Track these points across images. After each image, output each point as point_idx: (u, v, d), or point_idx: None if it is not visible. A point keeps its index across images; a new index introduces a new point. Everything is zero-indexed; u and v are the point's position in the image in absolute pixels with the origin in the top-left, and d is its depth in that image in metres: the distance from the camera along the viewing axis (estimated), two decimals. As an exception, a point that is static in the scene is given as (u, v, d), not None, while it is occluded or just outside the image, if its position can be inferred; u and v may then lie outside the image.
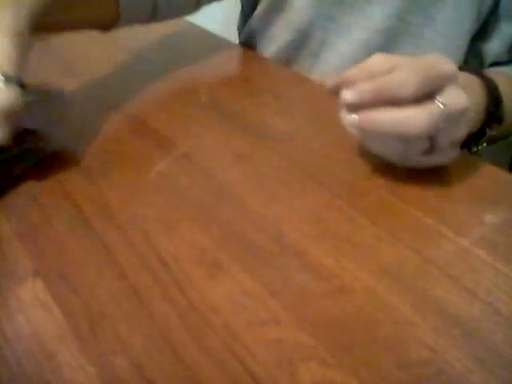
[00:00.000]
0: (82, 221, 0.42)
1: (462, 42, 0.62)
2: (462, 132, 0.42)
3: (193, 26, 0.78)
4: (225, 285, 0.36)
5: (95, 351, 0.32)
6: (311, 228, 0.40)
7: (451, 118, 0.40)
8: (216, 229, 0.40)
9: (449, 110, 0.40)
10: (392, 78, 0.40)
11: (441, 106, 0.39)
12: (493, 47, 0.63)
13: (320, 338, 0.32)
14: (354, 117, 0.40)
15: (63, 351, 0.32)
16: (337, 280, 0.36)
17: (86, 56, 0.70)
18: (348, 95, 0.40)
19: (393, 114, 0.39)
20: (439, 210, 0.42)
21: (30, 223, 0.42)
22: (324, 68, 0.68)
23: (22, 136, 0.47)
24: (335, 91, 0.44)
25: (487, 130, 0.49)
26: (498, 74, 0.53)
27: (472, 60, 0.64)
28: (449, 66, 0.41)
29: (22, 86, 0.42)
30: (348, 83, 0.41)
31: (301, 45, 0.69)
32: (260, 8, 0.72)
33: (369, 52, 0.44)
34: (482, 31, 0.63)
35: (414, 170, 0.45)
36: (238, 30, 0.80)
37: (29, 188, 0.45)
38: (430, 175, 0.45)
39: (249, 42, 0.76)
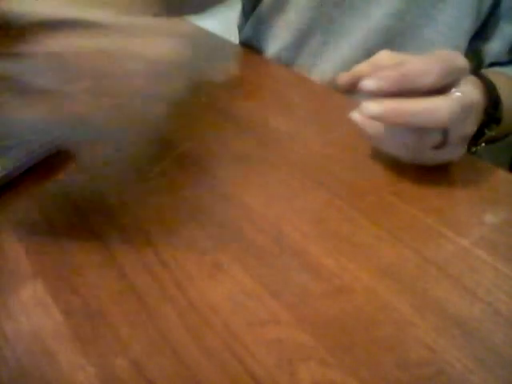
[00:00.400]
0: (82, 221, 0.42)
1: (461, 42, 0.62)
2: (471, 128, 0.42)
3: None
4: (225, 285, 0.36)
5: (95, 351, 0.32)
6: (311, 228, 0.40)
7: (466, 111, 0.40)
8: (216, 229, 0.40)
9: (466, 101, 0.39)
10: (414, 65, 0.39)
11: (461, 96, 0.39)
12: (493, 47, 0.64)
13: (320, 338, 0.32)
14: (377, 107, 0.39)
15: (63, 351, 0.32)
16: (337, 280, 0.36)
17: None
18: (369, 82, 0.39)
19: (419, 103, 0.39)
20: (439, 210, 0.42)
21: (30, 223, 0.42)
22: (324, 68, 0.68)
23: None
24: (347, 87, 0.44)
25: (486, 131, 0.49)
26: (496, 75, 0.53)
27: (471, 60, 0.64)
28: (461, 59, 0.40)
29: None
30: (361, 78, 0.41)
31: (301, 45, 0.69)
32: (260, 8, 0.72)
33: (369, 52, 0.44)
34: (482, 31, 0.63)
35: (414, 170, 0.45)
36: (239, 29, 0.80)
37: (29, 188, 0.45)
38: (430, 175, 0.45)
39: (249, 42, 0.76)
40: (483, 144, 0.49)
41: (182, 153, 0.49)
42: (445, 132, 0.41)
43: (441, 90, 0.39)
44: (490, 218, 0.41)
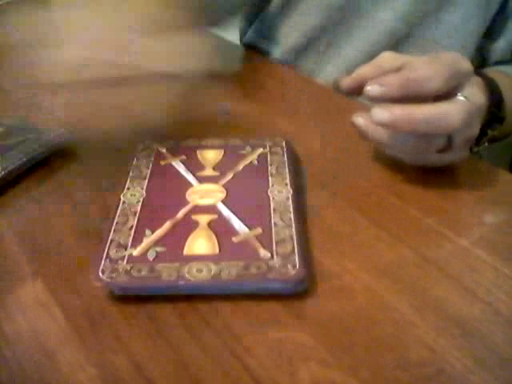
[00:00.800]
0: (82, 221, 0.42)
1: (468, 44, 0.62)
2: (475, 130, 0.42)
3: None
4: (225, 285, 0.36)
5: (95, 351, 0.32)
6: (311, 228, 0.40)
7: (471, 115, 0.40)
8: (216, 229, 0.40)
9: (472, 106, 0.39)
10: (419, 71, 0.39)
11: (466, 101, 0.39)
12: (498, 46, 0.63)
13: (320, 338, 0.32)
14: (386, 115, 0.38)
15: (63, 351, 0.32)
16: (337, 280, 0.36)
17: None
18: (373, 89, 0.39)
19: (429, 110, 0.38)
20: (439, 210, 0.42)
21: (30, 223, 0.42)
22: (329, 70, 0.68)
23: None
24: (351, 91, 0.44)
25: (488, 131, 0.49)
26: (499, 74, 0.52)
27: (476, 58, 0.64)
28: (466, 63, 0.40)
29: None
30: (364, 81, 0.40)
31: (306, 48, 0.69)
32: (266, 12, 0.72)
33: (375, 54, 0.44)
34: (489, 30, 0.63)
35: (414, 170, 0.45)
36: (241, 32, 0.80)
37: (29, 188, 0.45)
38: (431, 175, 0.45)
39: (253, 43, 0.76)
40: (485, 144, 0.49)
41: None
42: (450, 136, 0.41)
43: (445, 93, 0.39)
44: (489, 218, 0.41)
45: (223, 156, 0.46)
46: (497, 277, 0.36)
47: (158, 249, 0.36)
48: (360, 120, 0.42)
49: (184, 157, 0.46)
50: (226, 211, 0.39)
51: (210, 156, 0.46)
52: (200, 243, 0.37)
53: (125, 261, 0.35)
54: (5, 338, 0.33)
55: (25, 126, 0.47)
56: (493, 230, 0.40)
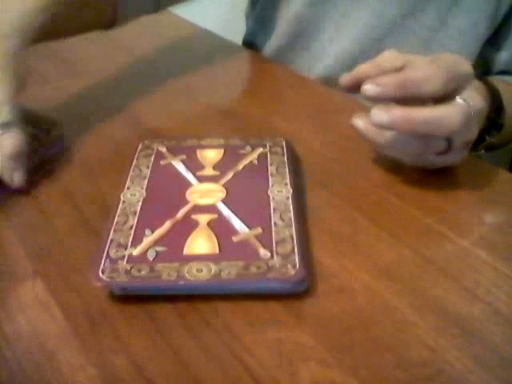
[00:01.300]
0: (82, 221, 0.42)
1: (473, 49, 0.62)
2: (475, 133, 0.42)
3: (194, 26, 0.78)
4: (225, 285, 0.36)
5: (95, 351, 0.32)
6: (311, 228, 0.40)
7: (470, 118, 0.39)
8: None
9: (470, 109, 0.39)
10: (417, 72, 0.39)
11: (465, 104, 0.39)
12: (502, 57, 0.63)
13: (320, 338, 0.32)
14: (386, 116, 0.38)
15: (63, 351, 0.32)
16: (337, 280, 0.36)
17: (86, 56, 0.70)
18: (370, 88, 0.39)
19: (428, 112, 0.38)
20: (439, 210, 0.42)
21: (30, 223, 0.42)
22: (328, 64, 0.68)
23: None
24: (349, 88, 0.44)
25: (486, 137, 0.48)
26: (501, 82, 0.52)
27: (479, 66, 0.63)
28: (466, 66, 0.40)
29: (19, 124, 0.42)
30: (363, 79, 0.40)
31: (301, 38, 0.68)
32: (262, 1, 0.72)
33: (378, 49, 0.44)
34: (493, 39, 0.63)
35: (414, 170, 0.45)
36: (246, 17, 0.79)
37: (29, 188, 0.45)
38: (430, 176, 0.45)
39: (251, 40, 0.76)
40: (482, 151, 0.49)
41: (182, 153, 0.49)
42: (449, 139, 0.41)
43: (444, 96, 0.39)
44: (489, 218, 0.41)
45: (223, 155, 0.46)
46: (497, 277, 0.36)
47: (158, 248, 0.36)
48: (359, 122, 0.42)
49: (184, 156, 0.46)
50: (226, 211, 0.39)
51: (210, 155, 0.46)
52: (200, 243, 0.37)
53: (125, 260, 0.35)
54: (5, 337, 0.33)
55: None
56: (493, 229, 0.40)
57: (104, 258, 0.35)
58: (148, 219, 0.39)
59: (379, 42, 0.63)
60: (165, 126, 0.54)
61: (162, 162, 0.45)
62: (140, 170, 0.44)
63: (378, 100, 0.39)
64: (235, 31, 0.81)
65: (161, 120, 0.56)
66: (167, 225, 0.38)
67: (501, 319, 0.33)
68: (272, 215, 0.39)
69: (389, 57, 0.42)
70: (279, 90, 0.60)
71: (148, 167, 0.45)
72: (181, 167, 0.45)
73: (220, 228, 0.38)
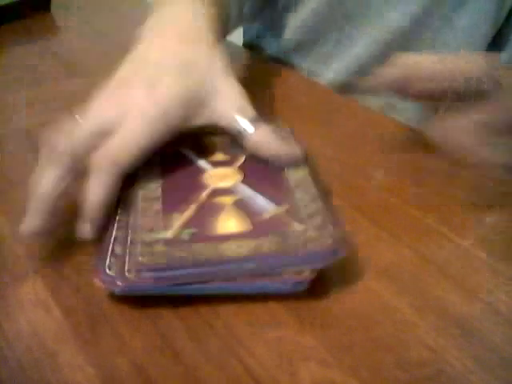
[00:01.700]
0: (82, 221, 0.42)
1: (477, 48, 0.62)
2: None
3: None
4: (225, 285, 0.36)
5: (95, 351, 0.32)
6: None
7: None
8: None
9: None
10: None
11: None
12: (502, 57, 0.63)
13: (320, 338, 0.32)
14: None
15: (63, 351, 0.32)
16: (337, 280, 0.36)
17: (86, 56, 0.70)
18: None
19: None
20: (439, 210, 0.42)
21: (30, 223, 0.42)
22: (337, 68, 0.68)
23: None
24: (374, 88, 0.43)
25: None
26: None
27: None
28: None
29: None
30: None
31: (314, 44, 0.68)
32: (271, 8, 0.71)
33: (384, 53, 0.44)
34: (494, 39, 0.63)
35: (414, 170, 0.45)
36: (244, 28, 0.79)
37: (29, 188, 0.45)
38: (430, 175, 0.45)
39: (255, 42, 0.75)
40: None
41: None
42: None
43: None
44: (489, 218, 0.41)
45: (231, 140, 0.45)
46: (497, 277, 0.36)
47: (191, 230, 0.35)
48: (435, 130, 0.41)
49: (191, 144, 0.45)
50: (248, 191, 0.39)
51: (218, 141, 0.45)
52: (231, 222, 0.36)
53: (160, 244, 0.34)
54: (5, 337, 0.33)
55: None
56: (493, 230, 0.40)
57: (140, 243, 0.34)
58: (172, 204, 0.38)
59: (387, 46, 0.63)
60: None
61: (169, 150, 0.44)
62: (150, 159, 0.43)
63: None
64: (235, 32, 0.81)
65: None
66: (193, 207, 0.37)
67: (501, 319, 0.33)
68: (295, 192, 0.38)
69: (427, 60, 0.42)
70: (279, 90, 0.60)
71: (157, 155, 0.43)
72: (190, 154, 0.44)
73: (247, 207, 0.37)
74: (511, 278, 0.36)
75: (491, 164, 0.41)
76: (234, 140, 0.44)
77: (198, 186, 0.40)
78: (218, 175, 0.41)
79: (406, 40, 0.63)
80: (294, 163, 0.41)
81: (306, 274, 0.33)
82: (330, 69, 0.68)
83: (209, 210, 0.37)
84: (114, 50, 0.71)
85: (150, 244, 0.34)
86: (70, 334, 0.33)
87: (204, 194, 0.39)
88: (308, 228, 0.35)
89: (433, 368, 0.30)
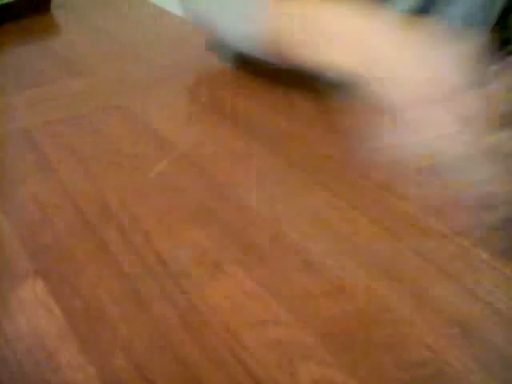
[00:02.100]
0: (82, 221, 0.42)
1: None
2: None
3: (193, 26, 0.78)
4: (225, 285, 0.36)
5: (95, 351, 0.32)
6: (311, 228, 0.40)
7: None
8: (216, 229, 0.40)
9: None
10: None
11: None
12: None
13: (320, 338, 0.32)
14: None
15: (63, 351, 0.32)
16: (337, 280, 0.36)
17: (86, 56, 0.70)
18: None
19: None
20: (439, 210, 0.42)
21: (30, 223, 0.42)
22: None
23: None
24: None
25: None
26: None
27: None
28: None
29: None
30: None
31: None
32: None
33: None
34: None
35: (414, 170, 0.45)
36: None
37: (29, 188, 0.45)
38: (430, 175, 0.45)
39: None
40: None
41: (181, 153, 0.49)
42: None
43: None
44: (490, 218, 0.41)
45: None
46: (497, 277, 0.36)
47: None
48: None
49: None
50: None
51: None
52: None
53: None
54: (5, 337, 0.33)
55: None
56: (493, 230, 0.40)
57: None
58: None
59: None
60: (165, 125, 0.54)
61: None
62: None
63: None
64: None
65: (161, 119, 0.56)
66: None
67: (501, 319, 0.33)
68: None
69: None
70: (280, 90, 0.60)
71: None
72: None
73: None
74: (511, 278, 0.36)
75: None
76: None
77: None
78: None
79: None
80: None
81: None
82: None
83: None
84: (114, 50, 0.71)
85: None
86: (70, 334, 0.33)
87: None
88: None
89: (433, 368, 0.30)
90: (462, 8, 0.60)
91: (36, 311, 0.34)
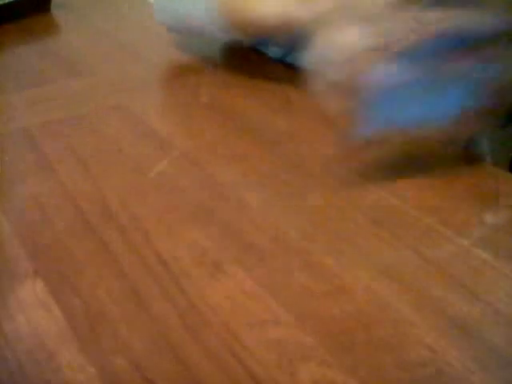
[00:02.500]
0: (82, 221, 0.42)
1: None
2: None
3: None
4: (225, 285, 0.36)
5: (95, 351, 0.32)
6: (311, 228, 0.40)
7: None
8: (216, 229, 0.40)
9: None
10: None
11: None
12: None
13: (320, 338, 0.32)
14: None
15: (63, 351, 0.32)
16: (337, 280, 0.36)
17: (86, 56, 0.70)
18: None
19: None
20: (439, 210, 0.42)
21: (30, 223, 0.42)
22: None
23: None
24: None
25: None
26: None
27: None
28: None
29: None
30: None
31: None
32: None
33: None
34: None
35: (414, 170, 0.45)
36: None
37: (29, 188, 0.45)
38: (431, 175, 0.45)
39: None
40: None
41: (181, 153, 0.49)
42: None
43: None
44: (489, 217, 0.41)
45: None
46: (497, 277, 0.36)
47: None
48: None
49: None
50: None
51: None
52: None
53: None
54: (5, 337, 0.33)
55: None
56: (493, 229, 0.40)
57: None
58: None
59: None
60: (165, 125, 0.54)
61: None
62: None
63: None
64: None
65: (161, 120, 0.56)
66: None
67: (501, 319, 0.33)
68: None
69: None
70: (280, 90, 0.60)
71: None
72: None
73: None
74: (511, 278, 0.36)
75: None
76: None
77: None
78: None
79: None
80: None
81: None
82: None
83: None
84: (114, 50, 0.71)
85: None
86: (70, 334, 0.33)
87: None
88: None
89: (433, 368, 0.30)
90: None
91: (36, 311, 0.34)
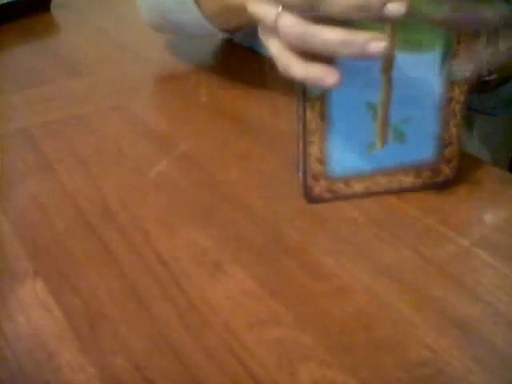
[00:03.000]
0: (82, 221, 0.42)
1: None
2: None
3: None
4: (225, 285, 0.36)
5: (95, 351, 0.32)
6: (311, 228, 0.40)
7: None
8: (216, 229, 0.40)
9: None
10: None
11: None
12: None
13: (320, 338, 0.32)
14: None
15: (63, 351, 0.32)
16: (337, 280, 0.36)
17: (87, 56, 0.70)
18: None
19: None
20: (439, 210, 0.42)
21: (30, 223, 0.42)
22: None
23: None
24: None
25: None
26: None
27: None
28: None
29: None
30: None
31: None
32: None
33: None
34: None
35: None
36: None
37: (29, 188, 0.45)
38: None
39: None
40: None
41: (181, 153, 0.49)
42: None
43: None
44: (490, 217, 0.41)
45: None
46: (497, 277, 0.36)
47: None
48: None
49: None
50: None
51: None
52: None
53: None
54: (5, 337, 0.33)
55: None
56: (493, 229, 0.40)
57: None
58: None
59: None
60: (165, 125, 0.54)
61: None
62: None
63: None
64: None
65: (161, 120, 0.56)
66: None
67: (501, 319, 0.33)
68: None
69: None
70: (279, 90, 0.60)
71: None
72: None
73: None
74: (511, 278, 0.36)
75: None
76: None
77: None
78: None
79: None
80: None
81: None
82: None
83: None
84: (114, 50, 0.71)
85: None
86: (70, 334, 0.33)
87: None
88: None
89: (433, 368, 0.30)
90: None
91: (36, 311, 0.34)
